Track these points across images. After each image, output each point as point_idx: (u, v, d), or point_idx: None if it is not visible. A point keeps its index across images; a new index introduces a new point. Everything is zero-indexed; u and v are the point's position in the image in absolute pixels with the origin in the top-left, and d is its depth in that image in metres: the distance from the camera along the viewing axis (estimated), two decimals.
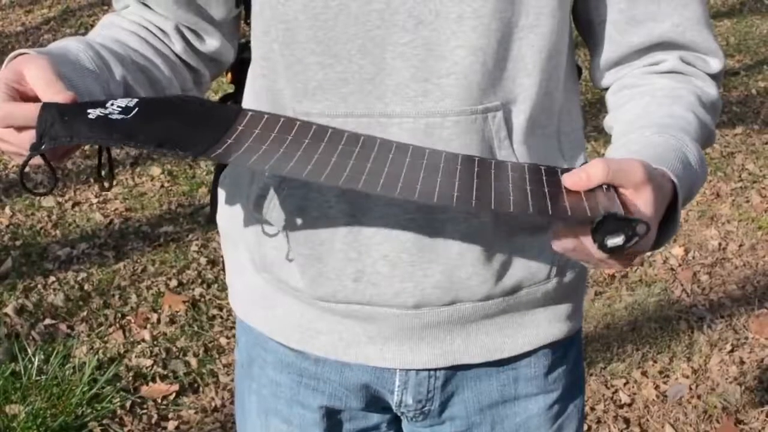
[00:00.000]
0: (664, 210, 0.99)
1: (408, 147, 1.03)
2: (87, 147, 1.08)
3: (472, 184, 0.96)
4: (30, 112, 0.93)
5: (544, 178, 0.97)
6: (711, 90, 1.19)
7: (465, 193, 0.94)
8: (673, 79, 1.18)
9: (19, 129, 0.94)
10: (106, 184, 1.05)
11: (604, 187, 0.92)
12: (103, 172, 1.05)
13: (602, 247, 0.88)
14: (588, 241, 0.90)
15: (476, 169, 0.99)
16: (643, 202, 0.92)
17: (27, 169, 0.96)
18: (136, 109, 0.99)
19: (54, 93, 0.96)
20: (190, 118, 1.02)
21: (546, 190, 0.94)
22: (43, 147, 0.92)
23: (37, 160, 0.98)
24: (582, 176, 0.92)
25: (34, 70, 0.96)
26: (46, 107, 0.93)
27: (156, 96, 1.17)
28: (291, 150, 0.98)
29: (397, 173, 0.96)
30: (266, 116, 1.04)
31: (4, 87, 0.95)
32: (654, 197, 0.93)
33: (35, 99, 0.99)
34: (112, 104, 0.98)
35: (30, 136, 0.93)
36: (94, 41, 1.14)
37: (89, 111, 0.96)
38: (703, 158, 1.10)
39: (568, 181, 0.93)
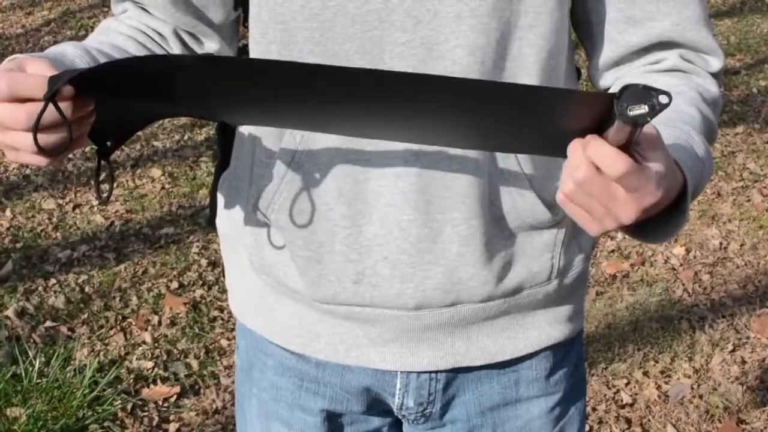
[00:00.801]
0: (674, 197, 0.97)
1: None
2: (88, 149, 1.06)
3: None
4: (35, 81, 0.91)
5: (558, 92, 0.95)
6: (712, 87, 1.18)
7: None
8: (674, 76, 1.17)
9: (23, 102, 0.93)
10: (104, 195, 1.04)
11: None
12: (103, 188, 1.04)
13: (625, 117, 0.86)
14: (605, 155, 0.88)
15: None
16: (656, 157, 0.91)
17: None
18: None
19: None
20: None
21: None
22: (56, 85, 0.90)
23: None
24: None
25: (34, 65, 0.95)
26: (53, 75, 0.92)
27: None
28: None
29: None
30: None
31: (6, 70, 0.94)
32: (666, 159, 0.92)
33: None
34: None
35: (30, 111, 0.92)
36: (91, 46, 1.13)
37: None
38: (710, 151, 1.09)
39: None
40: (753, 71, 5.71)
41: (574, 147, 0.91)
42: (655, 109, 0.86)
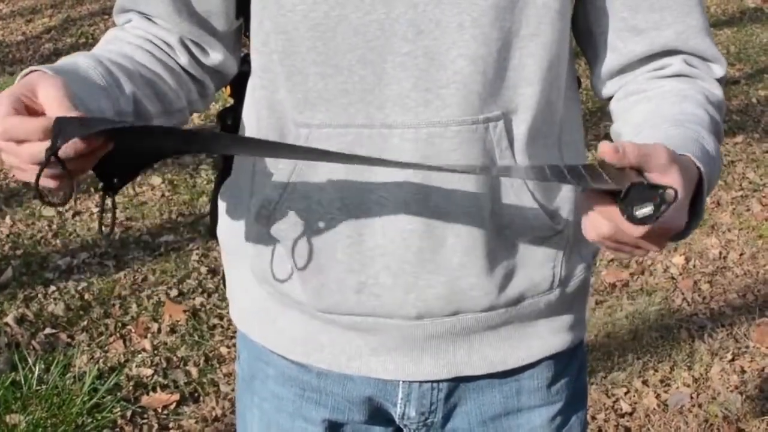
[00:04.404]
0: (692, 193, 0.98)
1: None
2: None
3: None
4: (32, 126, 0.92)
5: (565, 171, 0.95)
6: (717, 91, 1.19)
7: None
8: (679, 81, 1.18)
9: (19, 143, 0.94)
10: (107, 229, 1.05)
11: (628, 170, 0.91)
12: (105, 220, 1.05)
13: (631, 218, 0.87)
14: (623, 221, 0.90)
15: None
16: (671, 181, 0.91)
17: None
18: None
19: (64, 112, 0.94)
20: None
21: (568, 177, 0.93)
22: (58, 143, 0.91)
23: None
24: (618, 147, 0.90)
25: (47, 88, 0.95)
26: (59, 118, 0.92)
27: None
28: None
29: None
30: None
31: (12, 100, 0.94)
32: (681, 176, 0.92)
33: (42, 115, 0.97)
34: None
35: (30, 150, 0.93)
36: (103, 57, 1.13)
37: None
38: (719, 150, 1.10)
39: (605, 147, 0.90)
40: (752, 81, 5.72)
41: (592, 211, 0.94)
42: (661, 209, 0.86)
